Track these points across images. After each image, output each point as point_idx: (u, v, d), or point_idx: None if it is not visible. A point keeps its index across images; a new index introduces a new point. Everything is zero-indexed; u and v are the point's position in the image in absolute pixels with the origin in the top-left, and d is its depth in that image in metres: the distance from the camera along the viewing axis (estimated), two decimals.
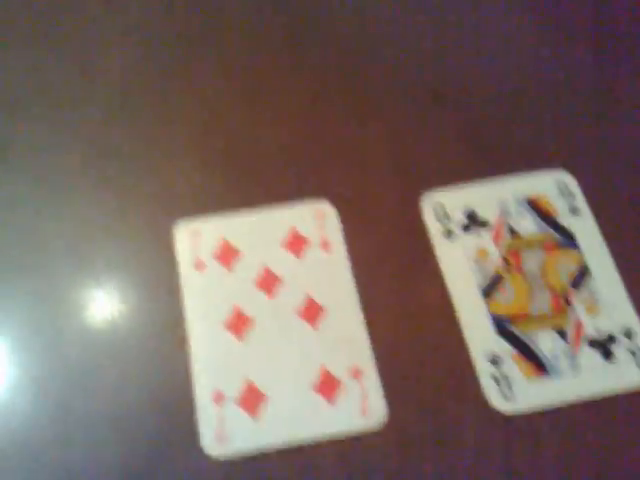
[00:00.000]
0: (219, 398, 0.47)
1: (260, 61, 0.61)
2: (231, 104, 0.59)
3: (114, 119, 0.58)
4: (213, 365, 0.48)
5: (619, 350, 0.50)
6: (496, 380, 0.49)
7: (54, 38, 0.61)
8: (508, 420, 0.48)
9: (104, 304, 0.51)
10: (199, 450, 0.46)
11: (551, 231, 0.55)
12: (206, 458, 0.45)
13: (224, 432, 0.46)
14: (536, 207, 0.55)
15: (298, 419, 0.47)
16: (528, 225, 0.55)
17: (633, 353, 0.50)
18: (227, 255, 0.52)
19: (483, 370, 0.49)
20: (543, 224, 0.55)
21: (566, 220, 0.55)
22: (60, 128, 0.57)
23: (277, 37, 0.63)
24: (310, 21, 0.64)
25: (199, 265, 0.51)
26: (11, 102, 0.58)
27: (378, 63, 0.62)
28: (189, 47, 0.62)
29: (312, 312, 0.50)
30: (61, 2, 0.63)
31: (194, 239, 0.52)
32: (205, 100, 0.59)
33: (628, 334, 0.51)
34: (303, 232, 0.53)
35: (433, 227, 0.55)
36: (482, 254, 0.54)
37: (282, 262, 0.52)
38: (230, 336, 0.49)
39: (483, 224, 0.55)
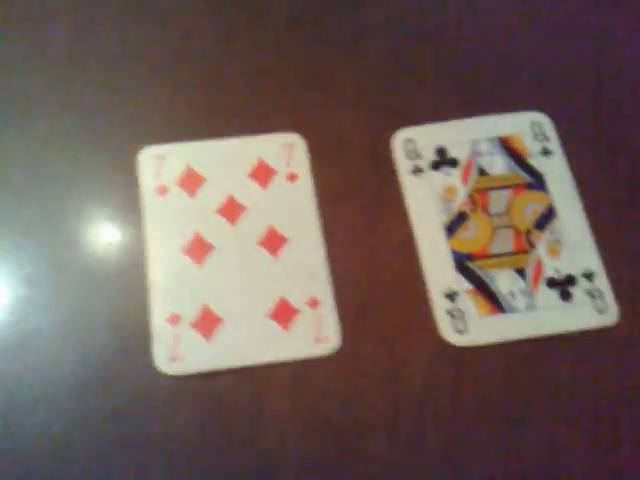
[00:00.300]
0: (175, 320, 0.48)
1: None
2: (204, 33, 0.58)
3: (81, 40, 0.57)
4: (170, 288, 0.49)
5: (578, 292, 0.50)
6: (451, 315, 0.49)
7: None
8: (459, 352, 0.48)
9: (64, 223, 0.51)
10: (152, 368, 0.47)
11: (521, 172, 0.54)
12: (157, 374, 0.47)
13: (177, 352, 0.47)
14: (508, 147, 0.55)
15: (251, 343, 0.48)
16: (498, 165, 0.54)
17: (592, 295, 0.50)
18: (191, 181, 0.52)
19: (439, 304, 0.50)
20: (513, 164, 0.54)
21: (537, 161, 0.55)
22: (24, 48, 0.57)
23: None
24: None
25: (161, 190, 0.51)
26: None
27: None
28: None
29: (274, 241, 0.51)
30: None
31: (158, 164, 0.52)
32: (177, 27, 0.58)
33: (589, 276, 0.51)
34: (270, 163, 0.53)
35: (402, 164, 0.54)
36: (449, 192, 0.53)
37: (247, 191, 0.52)
38: (189, 261, 0.50)
39: (453, 162, 0.54)
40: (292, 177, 0.53)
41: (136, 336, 0.47)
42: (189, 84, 0.56)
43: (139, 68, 0.56)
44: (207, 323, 0.48)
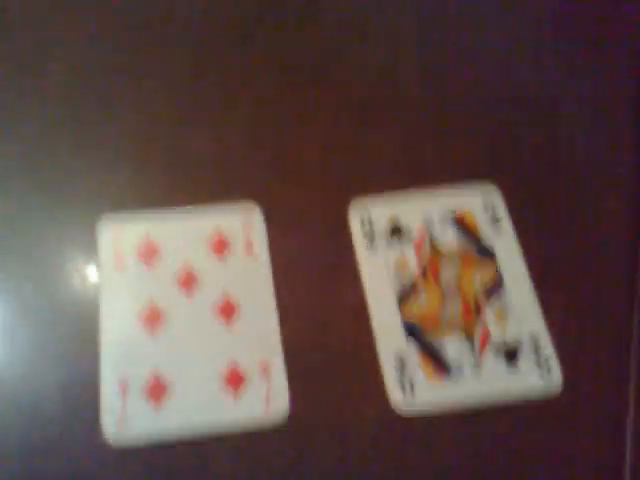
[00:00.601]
0: (124, 389, 0.48)
1: (199, 66, 0.63)
2: (165, 108, 0.60)
3: (50, 127, 0.59)
4: (121, 357, 0.50)
5: (524, 358, 0.51)
6: (400, 382, 0.50)
7: None
8: (407, 420, 0.49)
9: (20, 289, 0.52)
10: (100, 436, 0.47)
11: (471, 244, 0.56)
12: (106, 444, 0.47)
13: (126, 420, 0.47)
14: (459, 221, 0.57)
15: (201, 411, 0.48)
16: (449, 236, 0.56)
17: (537, 362, 0.51)
18: (148, 253, 0.53)
19: (389, 371, 0.51)
20: (464, 237, 0.56)
21: (487, 232, 0.56)
22: None
23: (217, 52, 0.64)
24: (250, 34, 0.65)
25: (119, 261, 0.53)
26: None
27: (312, 72, 0.63)
28: (135, 58, 0.63)
29: (227, 310, 0.52)
30: None
31: (117, 235, 0.54)
32: (140, 102, 0.61)
33: (535, 343, 0.52)
34: (227, 233, 0.55)
35: (357, 234, 0.56)
36: (402, 263, 0.55)
37: (203, 261, 0.53)
38: (142, 330, 0.51)
39: (406, 234, 0.56)
40: (248, 246, 0.54)
41: (86, 404, 0.48)
42: (150, 156, 0.58)
43: (103, 142, 0.58)
44: (157, 391, 0.48)
